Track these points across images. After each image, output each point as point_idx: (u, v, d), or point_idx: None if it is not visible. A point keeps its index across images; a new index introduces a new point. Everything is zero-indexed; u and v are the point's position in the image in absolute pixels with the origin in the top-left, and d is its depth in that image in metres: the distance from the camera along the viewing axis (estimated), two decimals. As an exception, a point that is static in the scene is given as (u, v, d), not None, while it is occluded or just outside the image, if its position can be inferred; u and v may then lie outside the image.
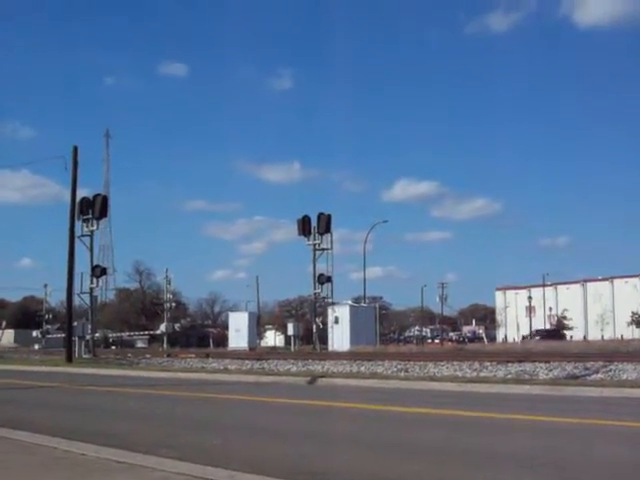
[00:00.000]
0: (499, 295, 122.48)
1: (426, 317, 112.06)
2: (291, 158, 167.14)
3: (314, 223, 42.94)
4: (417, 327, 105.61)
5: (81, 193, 37.35)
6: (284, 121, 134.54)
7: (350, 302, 54.45)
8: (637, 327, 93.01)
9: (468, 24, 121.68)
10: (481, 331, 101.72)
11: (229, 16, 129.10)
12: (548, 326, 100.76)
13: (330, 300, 47.11)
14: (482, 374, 18.71)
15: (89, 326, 36.30)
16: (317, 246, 44.49)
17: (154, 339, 73.27)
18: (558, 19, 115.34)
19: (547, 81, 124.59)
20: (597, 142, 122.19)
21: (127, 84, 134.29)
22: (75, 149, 33.82)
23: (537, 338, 77.22)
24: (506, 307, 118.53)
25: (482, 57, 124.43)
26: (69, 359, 31.94)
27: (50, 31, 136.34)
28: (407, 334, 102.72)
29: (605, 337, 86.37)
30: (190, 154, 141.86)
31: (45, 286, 78.99)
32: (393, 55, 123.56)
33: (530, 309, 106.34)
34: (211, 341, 76.48)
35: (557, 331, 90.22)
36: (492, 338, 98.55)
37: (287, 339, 65.71)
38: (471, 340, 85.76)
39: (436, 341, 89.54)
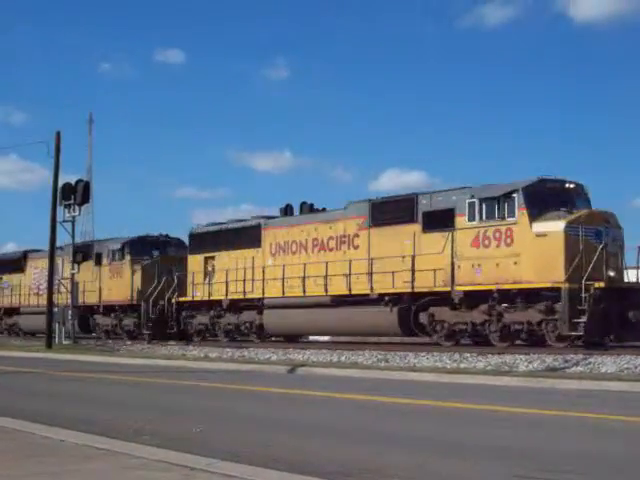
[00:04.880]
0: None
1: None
2: (282, 146, 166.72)
3: (297, 212, 42.95)
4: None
5: (70, 178, 37.16)
6: (276, 110, 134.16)
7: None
8: None
9: (461, 17, 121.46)
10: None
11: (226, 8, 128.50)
12: None
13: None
14: (462, 365, 18.80)
15: (70, 312, 36.09)
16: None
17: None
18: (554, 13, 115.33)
19: (542, 74, 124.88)
20: (590, 135, 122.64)
21: (122, 70, 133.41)
22: (58, 134, 33.53)
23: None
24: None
25: (475, 50, 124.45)
26: (49, 345, 31.76)
27: (44, 14, 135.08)
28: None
29: None
30: (182, 141, 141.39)
31: (26, 271, 78.52)
32: (385, 45, 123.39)
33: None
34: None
35: None
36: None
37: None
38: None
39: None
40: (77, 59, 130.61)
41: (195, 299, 31.98)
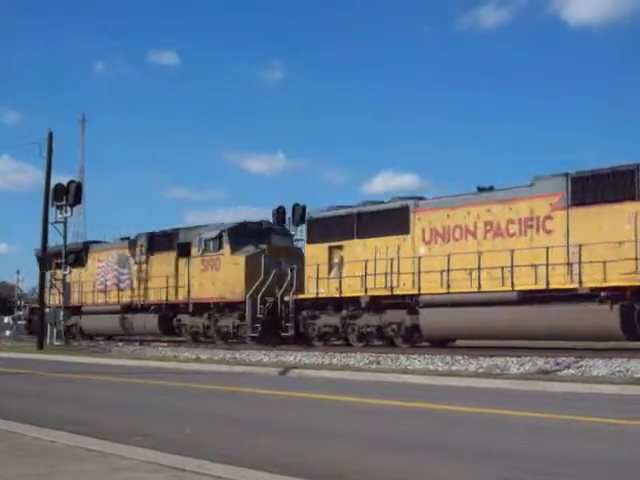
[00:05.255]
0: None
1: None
2: (275, 148, 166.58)
3: (289, 214, 42.97)
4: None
5: (63, 179, 37.20)
6: (271, 111, 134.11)
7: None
8: None
9: (458, 19, 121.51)
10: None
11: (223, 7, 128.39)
12: None
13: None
14: (454, 367, 18.81)
15: (61, 313, 36.04)
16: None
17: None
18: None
19: (535, 78, 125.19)
20: (588, 138, 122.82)
21: (116, 70, 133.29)
22: (50, 135, 33.53)
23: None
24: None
25: (471, 52, 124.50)
26: (40, 346, 31.72)
27: (39, 15, 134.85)
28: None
29: None
30: (176, 142, 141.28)
31: (17, 272, 78.30)
32: (381, 49, 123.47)
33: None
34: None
35: None
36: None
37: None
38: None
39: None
40: (71, 59, 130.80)
41: (320, 296, 27.11)
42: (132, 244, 35.68)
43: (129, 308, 35.77)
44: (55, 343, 34.76)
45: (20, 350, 31.15)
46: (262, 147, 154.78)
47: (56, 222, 34.89)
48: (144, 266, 35.09)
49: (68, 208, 34.75)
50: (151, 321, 34.34)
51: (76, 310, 38.72)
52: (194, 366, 21.68)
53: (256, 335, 29.00)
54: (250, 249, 30.54)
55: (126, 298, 35.88)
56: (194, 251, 32.14)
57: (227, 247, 30.93)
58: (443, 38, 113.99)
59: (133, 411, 11.27)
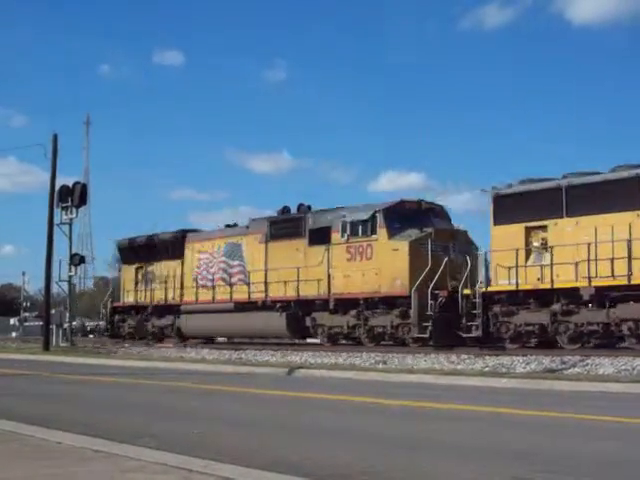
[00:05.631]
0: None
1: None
2: (280, 148, 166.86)
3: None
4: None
5: (69, 181, 37.19)
6: (276, 111, 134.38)
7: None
8: None
9: (462, 18, 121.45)
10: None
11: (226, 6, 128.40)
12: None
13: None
14: (459, 366, 18.79)
15: (67, 314, 36.09)
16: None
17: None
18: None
19: (542, 76, 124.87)
20: (590, 139, 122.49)
21: (121, 72, 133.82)
22: (55, 137, 33.63)
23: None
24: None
25: (475, 51, 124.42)
26: (46, 347, 31.79)
27: (45, 18, 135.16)
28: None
29: None
30: (181, 143, 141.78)
31: (23, 274, 78.53)
32: (385, 46, 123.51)
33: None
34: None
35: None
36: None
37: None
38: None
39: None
40: (76, 61, 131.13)
41: (522, 288, 22.33)
42: (245, 232, 31.09)
43: (243, 306, 30.50)
44: (61, 344, 34.83)
45: (27, 351, 31.19)
46: (267, 147, 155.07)
47: (61, 223, 34.97)
48: (262, 257, 29.95)
49: (73, 209, 34.82)
50: (276, 321, 28.90)
51: (171, 309, 34.14)
52: (200, 367, 21.70)
53: (426, 336, 24.05)
54: (413, 233, 25.55)
55: (240, 294, 30.64)
56: (335, 237, 27.01)
57: (383, 231, 25.71)
58: (447, 36, 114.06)
59: (139, 412, 11.27)
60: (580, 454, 7.34)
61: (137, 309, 36.24)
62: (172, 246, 34.01)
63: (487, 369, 17.96)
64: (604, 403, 12.11)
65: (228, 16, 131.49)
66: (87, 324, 71.11)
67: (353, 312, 26.57)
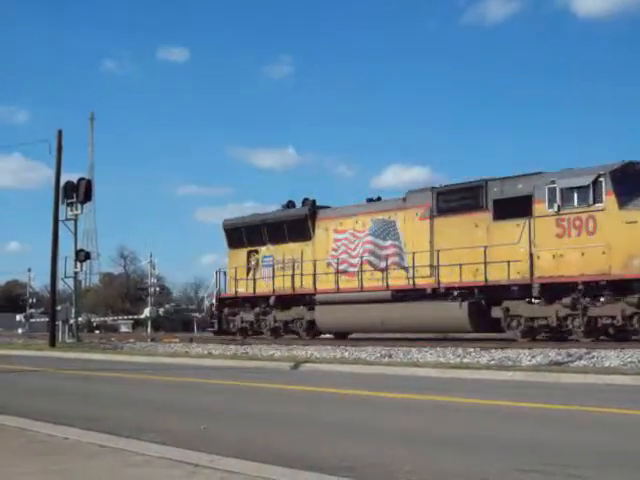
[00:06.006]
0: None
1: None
2: (285, 143, 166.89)
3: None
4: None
5: (73, 177, 37.20)
6: (280, 106, 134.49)
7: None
8: None
9: (465, 12, 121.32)
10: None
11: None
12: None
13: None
14: (465, 360, 18.79)
15: (73, 310, 36.15)
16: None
17: (138, 324, 73.02)
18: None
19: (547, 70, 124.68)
20: (596, 131, 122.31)
21: (125, 68, 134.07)
22: (59, 133, 33.61)
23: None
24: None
25: (479, 45, 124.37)
26: (52, 343, 31.82)
27: (48, 12, 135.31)
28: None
29: None
30: (186, 139, 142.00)
31: (29, 270, 78.63)
32: (389, 41, 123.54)
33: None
34: (195, 326, 76.32)
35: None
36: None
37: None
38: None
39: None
40: (80, 57, 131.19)
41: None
42: (401, 206, 26.75)
43: (404, 295, 26.37)
44: (67, 340, 34.90)
45: (33, 348, 31.26)
46: (272, 142, 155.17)
47: (67, 219, 34.98)
48: (426, 235, 25.72)
49: (78, 205, 34.82)
50: (454, 312, 24.56)
51: (291, 300, 29.98)
52: (206, 362, 21.71)
53: None
54: None
55: (398, 281, 26.39)
56: (540, 208, 22.78)
57: (611, 199, 21.46)
58: (449, 30, 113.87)
59: (145, 407, 11.29)
60: (586, 447, 7.33)
61: (251, 300, 31.16)
62: (297, 225, 29.68)
63: (493, 362, 17.96)
64: (610, 396, 12.09)
65: (233, 12, 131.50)
66: (93, 320, 71.19)
67: (566, 300, 22.09)
